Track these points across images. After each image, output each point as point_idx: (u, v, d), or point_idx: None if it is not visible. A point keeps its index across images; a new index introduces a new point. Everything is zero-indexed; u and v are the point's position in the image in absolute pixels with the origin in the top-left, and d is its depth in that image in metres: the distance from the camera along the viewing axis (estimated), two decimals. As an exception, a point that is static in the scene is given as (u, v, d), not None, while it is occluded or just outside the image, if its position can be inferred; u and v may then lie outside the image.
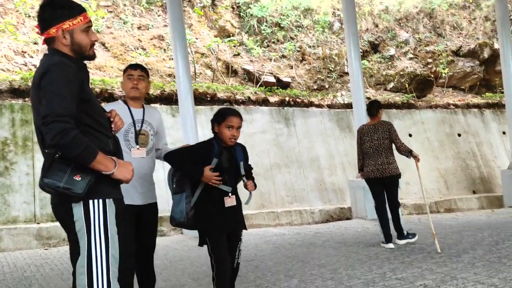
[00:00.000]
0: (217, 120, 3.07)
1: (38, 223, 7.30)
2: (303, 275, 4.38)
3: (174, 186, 3.09)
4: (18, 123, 7.78)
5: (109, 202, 2.11)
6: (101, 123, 2.21)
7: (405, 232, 5.72)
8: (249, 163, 3.32)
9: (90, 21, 2.25)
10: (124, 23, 11.68)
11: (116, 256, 2.11)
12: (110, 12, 11.79)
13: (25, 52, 9.90)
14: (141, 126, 3.19)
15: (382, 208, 5.75)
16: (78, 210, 2.06)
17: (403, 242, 5.68)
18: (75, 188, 1.99)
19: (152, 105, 8.55)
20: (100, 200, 2.08)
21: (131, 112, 3.17)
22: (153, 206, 3.23)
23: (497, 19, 10.29)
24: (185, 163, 3.08)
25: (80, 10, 2.21)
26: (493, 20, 13.97)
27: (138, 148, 3.13)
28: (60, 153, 1.99)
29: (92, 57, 2.29)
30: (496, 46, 12.96)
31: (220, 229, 2.99)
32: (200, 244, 3.11)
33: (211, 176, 2.98)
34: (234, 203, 3.09)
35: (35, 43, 10.05)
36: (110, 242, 2.09)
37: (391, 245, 5.50)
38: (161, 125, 3.42)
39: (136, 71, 3.23)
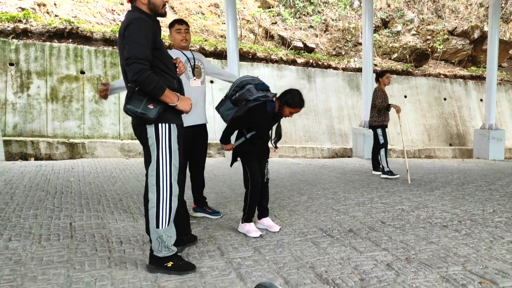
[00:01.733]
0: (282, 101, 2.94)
1: (121, 140, 7.57)
2: (311, 193, 4.46)
3: (234, 98, 2.91)
4: (108, 65, 7.87)
5: (173, 126, 2.17)
6: (169, 67, 2.21)
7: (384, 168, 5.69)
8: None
9: None
10: (187, -8, 11.31)
11: (176, 165, 2.20)
12: (179, -18, 11.40)
13: (114, 10, 9.80)
14: (194, 62, 3.18)
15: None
16: (150, 130, 2.14)
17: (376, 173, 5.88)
18: (149, 114, 2.06)
19: (207, 58, 8.46)
20: (167, 124, 2.14)
21: (185, 54, 3.17)
22: (205, 126, 3.30)
23: (490, 6, 9.45)
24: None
25: None
26: (486, 7, 12.84)
27: (194, 79, 3.15)
28: (138, 88, 2.03)
29: (164, 14, 2.24)
30: (485, 28, 12.00)
31: (256, 157, 2.97)
32: (231, 165, 3.15)
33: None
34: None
35: (122, 4, 9.91)
36: (173, 155, 2.17)
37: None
38: (208, 62, 3.40)
39: (183, 26, 3.14)
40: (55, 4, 8.99)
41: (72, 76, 7.57)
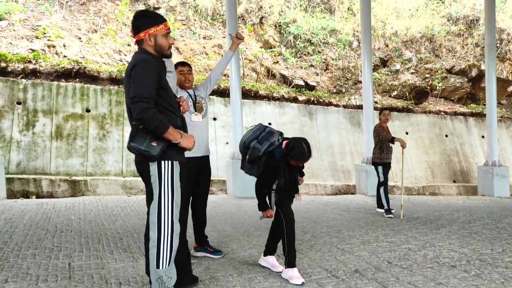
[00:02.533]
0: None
1: (124, 177, 7.57)
2: (314, 231, 4.38)
3: (248, 157, 2.85)
4: (113, 103, 8.03)
5: (176, 164, 2.19)
6: (173, 105, 2.26)
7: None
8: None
9: (169, 28, 2.28)
10: (193, 33, 11.74)
11: (178, 203, 2.20)
12: (184, 24, 11.87)
13: (121, 51, 10.15)
14: (195, 98, 3.26)
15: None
16: (153, 167, 2.16)
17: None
18: (152, 151, 2.08)
19: (210, 97, 8.63)
20: (170, 162, 2.16)
21: (187, 91, 3.27)
22: (207, 159, 3.30)
23: (486, 46, 9.76)
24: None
25: (162, 19, 2.26)
26: (482, 46, 13.22)
27: (196, 114, 3.19)
28: (142, 125, 2.07)
29: (169, 56, 2.32)
30: (482, 67, 12.28)
31: (287, 195, 2.91)
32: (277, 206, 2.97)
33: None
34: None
35: (129, 45, 10.28)
36: (175, 192, 2.17)
37: (391, 215, 5.39)
38: (203, 82, 3.47)
39: (186, 67, 3.24)
40: (64, 46, 9.34)
41: (78, 114, 7.71)
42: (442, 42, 13.97)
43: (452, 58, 13.66)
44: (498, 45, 13.25)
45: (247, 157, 2.84)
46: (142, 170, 2.23)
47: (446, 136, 11.13)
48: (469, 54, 13.77)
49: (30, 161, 7.15)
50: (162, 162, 2.14)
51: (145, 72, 2.09)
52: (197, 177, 3.17)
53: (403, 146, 5.32)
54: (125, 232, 4.15)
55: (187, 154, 2.94)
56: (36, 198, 6.70)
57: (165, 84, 2.22)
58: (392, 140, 5.47)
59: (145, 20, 2.23)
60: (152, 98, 2.06)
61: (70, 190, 7.01)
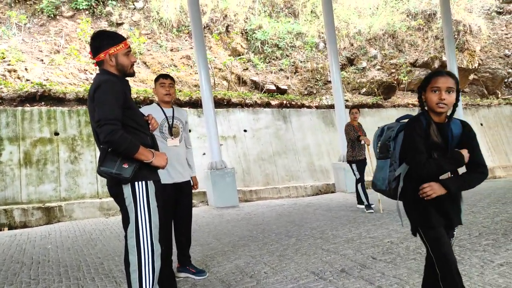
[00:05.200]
0: (422, 87, 1.92)
1: (100, 198, 7.35)
2: (298, 235, 4.39)
3: (378, 150, 2.07)
4: (83, 124, 7.81)
5: (150, 183, 2.13)
6: (141, 124, 2.20)
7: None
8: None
9: (129, 46, 2.22)
10: (160, 46, 11.63)
11: (156, 223, 2.13)
12: (150, 38, 11.74)
13: (86, 70, 9.91)
14: (172, 121, 3.10)
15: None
16: (127, 189, 2.09)
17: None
18: (124, 173, 2.03)
19: (183, 108, 8.56)
20: (143, 182, 2.10)
21: (164, 111, 3.11)
22: (188, 183, 3.19)
23: (445, 38, 10.19)
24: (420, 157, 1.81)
25: (122, 38, 2.21)
26: (442, 39, 13.77)
27: (172, 139, 3.07)
28: (112, 148, 2.01)
29: (132, 74, 2.26)
30: (444, 58, 12.80)
31: (436, 221, 1.83)
32: (413, 233, 1.95)
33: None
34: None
35: (94, 63, 10.05)
36: (152, 212, 2.11)
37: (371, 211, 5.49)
38: (187, 125, 3.26)
39: (167, 80, 3.14)
40: (26, 69, 9.02)
41: (46, 139, 7.44)
42: (404, 37, 14.45)
43: (415, 52, 14.16)
44: (456, 36, 13.83)
45: (378, 145, 2.05)
46: (116, 194, 2.17)
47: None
48: (430, 47, 14.31)
49: (0, 192, 6.83)
50: (136, 183, 2.08)
51: (108, 93, 2.03)
52: (176, 202, 3.08)
53: (367, 143, 5.49)
54: (106, 256, 4.02)
55: (167, 180, 2.92)
56: (9, 229, 6.39)
57: (130, 103, 2.17)
58: (358, 138, 5.60)
59: (104, 40, 2.17)
60: (118, 119, 2.00)
61: (44, 217, 6.73)
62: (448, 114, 1.90)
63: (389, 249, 3.49)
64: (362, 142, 5.66)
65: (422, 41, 14.60)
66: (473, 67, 14.24)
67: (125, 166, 2.02)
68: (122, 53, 2.17)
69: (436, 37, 14.50)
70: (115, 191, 2.15)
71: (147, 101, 8.70)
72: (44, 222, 6.68)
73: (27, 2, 10.92)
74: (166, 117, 3.11)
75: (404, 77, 12.80)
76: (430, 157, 1.83)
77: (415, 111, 11.71)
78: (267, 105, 10.20)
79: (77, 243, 4.82)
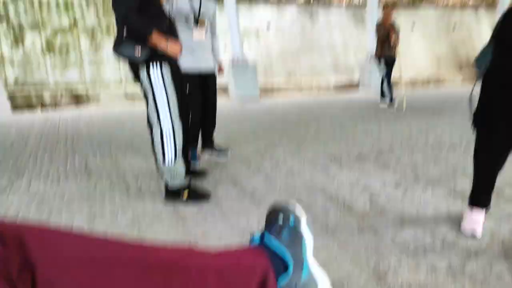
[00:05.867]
0: None
1: (124, 85, 7.52)
2: (318, 126, 4.49)
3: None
4: (100, 14, 7.58)
5: (164, 64, 2.15)
6: (157, 11, 2.17)
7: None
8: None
9: None
10: None
11: (174, 101, 2.20)
12: None
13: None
14: (199, 14, 2.95)
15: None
16: (143, 71, 2.15)
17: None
18: (136, 56, 2.08)
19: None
20: (157, 62, 2.13)
21: (190, 2, 2.90)
22: (213, 73, 3.18)
23: None
24: None
25: None
26: None
27: (198, 30, 2.95)
28: (126, 30, 2.03)
29: None
30: None
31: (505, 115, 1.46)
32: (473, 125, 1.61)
33: None
34: None
35: None
36: (168, 91, 2.17)
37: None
38: (214, 16, 3.14)
39: None
40: None
41: (66, 28, 7.33)
42: None
43: None
44: None
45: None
46: (134, 75, 2.25)
47: (453, 29, 10.64)
48: None
49: (28, 76, 7.04)
50: (150, 64, 2.13)
51: None
52: (203, 89, 3.10)
53: (396, 44, 5.30)
54: (135, 136, 4.28)
55: (192, 69, 2.91)
56: (41, 108, 6.77)
57: None
58: (388, 36, 5.38)
59: None
60: (136, 2, 2.00)
61: (73, 101, 7.04)
62: None
63: (408, 140, 3.55)
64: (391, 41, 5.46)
65: None
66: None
67: (138, 49, 2.06)
68: None
69: None
70: (133, 73, 2.22)
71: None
72: (73, 104, 7.00)
73: None
74: (193, 8, 2.94)
75: (450, -35, 11.37)
76: None
77: (454, 12, 10.74)
78: (294, 0, 9.48)
79: (106, 124, 5.11)
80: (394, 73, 5.74)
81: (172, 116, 2.20)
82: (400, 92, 6.76)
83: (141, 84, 2.21)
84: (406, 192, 2.29)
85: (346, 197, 2.26)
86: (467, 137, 3.54)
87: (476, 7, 11.11)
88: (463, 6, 10.97)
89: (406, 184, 2.41)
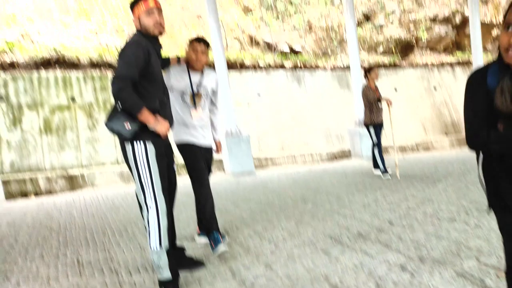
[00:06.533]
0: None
1: (120, 165, 7.54)
2: (315, 200, 4.45)
3: None
4: (98, 90, 7.86)
5: (149, 144, 2.20)
6: (155, 87, 2.26)
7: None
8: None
9: (150, 5, 2.22)
10: (169, 5, 11.34)
11: (158, 182, 2.20)
12: None
13: (97, 33, 9.80)
14: (198, 88, 2.87)
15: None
16: (128, 148, 2.21)
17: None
18: (124, 132, 2.14)
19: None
20: (142, 142, 2.18)
21: (190, 75, 2.87)
22: (211, 149, 3.10)
23: (469, -9, 9.59)
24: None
25: None
26: (465, -9, 13.01)
27: (196, 110, 2.88)
28: (118, 103, 2.12)
29: (158, 34, 2.28)
30: (466, 13, 12.15)
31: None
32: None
33: None
34: None
35: (104, 25, 9.91)
36: (152, 172, 2.19)
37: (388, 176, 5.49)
38: (215, 91, 3.06)
39: (200, 46, 2.83)
40: (38, 33, 8.98)
41: (64, 106, 7.55)
42: (424, -10, 13.69)
43: (435, 6, 13.45)
44: (481, -12, 13.01)
45: None
46: (123, 153, 2.30)
47: (435, 88, 11.15)
48: (452, 0, 13.57)
49: (24, 159, 7.06)
50: (135, 142, 2.18)
51: (129, 52, 2.12)
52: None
53: (389, 104, 5.33)
54: (129, 222, 4.19)
55: (191, 141, 2.90)
56: (35, 196, 6.67)
57: (153, 66, 2.22)
58: (379, 100, 5.46)
59: (132, 3, 2.27)
60: (132, 77, 2.09)
61: (68, 185, 6.98)
62: None
63: (406, 214, 3.52)
64: (381, 104, 5.56)
65: (445, -6, 13.82)
66: (498, 21, 13.50)
67: (127, 125, 2.12)
68: (143, 14, 2.21)
69: (460, -11, 13.69)
70: (122, 150, 2.28)
71: (180, 62, 8.60)
72: (68, 189, 6.94)
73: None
74: (191, 83, 2.88)
75: (422, 31, 12.26)
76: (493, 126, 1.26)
77: (434, 71, 11.37)
78: (281, 67, 10.01)
79: (101, 209, 5.02)
80: (384, 140, 5.84)
81: (156, 196, 2.19)
82: (392, 159, 6.85)
83: (127, 162, 2.24)
84: (413, 277, 2.20)
85: (351, 287, 2.16)
86: (463, 206, 3.52)
87: (452, 66, 11.77)
88: (441, 65, 11.64)
89: (412, 267, 2.33)
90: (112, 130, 2.16)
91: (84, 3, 10.19)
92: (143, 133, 2.17)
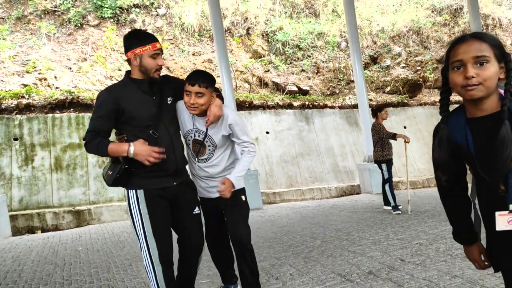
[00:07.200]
0: (446, 67, 1.23)
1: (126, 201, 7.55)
2: (324, 236, 4.36)
3: None
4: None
5: (140, 192, 2.13)
6: (137, 124, 2.14)
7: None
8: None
9: (158, 49, 2.14)
10: (182, 51, 11.84)
11: (149, 230, 2.12)
12: (172, 43, 11.97)
13: (112, 77, 10.21)
14: (204, 138, 2.35)
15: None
16: (126, 197, 2.22)
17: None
18: (107, 181, 2.15)
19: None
20: (133, 190, 2.15)
21: (193, 120, 2.34)
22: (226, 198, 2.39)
23: (472, 32, 9.87)
24: None
25: (152, 40, 2.15)
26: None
27: (198, 162, 2.41)
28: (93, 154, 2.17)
29: (155, 80, 2.16)
30: (472, 54, 12.40)
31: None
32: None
33: None
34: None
35: (119, 70, 10.34)
36: (143, 219, 2.13)
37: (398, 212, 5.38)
38: (233, 130, 2.37)
39: (194, 88, 2.19)
40: (55, 77, 9.39)
41: (75, 144, 7.71)
42: (429, 34, 14.10)
43: (441, 48, 13.78)
44: (484, 30, 13.37)
45: None
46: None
47: (444, 126, 11.18)
48: (457, 42, 13.93)
49: (32, 196, 7.13)
50: (129, 191, 2.17)
51: (96, 106, 2.15)
52: (221, 216, 2.54)
53: (407, 141, 5.31)
54: (134, 258, 4.12)
55: (204, 195, 2.46)
56: (42, 232, 6.66)
57: (129, 111, 2.11)
58: (394, 136, 5.46)
59: (133, 40, 2.17)
60: (95, 129, 2.09)
61: (74, 220, 6.97)
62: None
63: (418, 250, 3.41)
64: (394, 141, 5.56)
65: (449, 36, 14.20)
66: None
67: (109, 173, 2.14)
68: (147, 55, 2.12)
69: (463, 33, 14.07)
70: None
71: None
72: (75, 225, 6.92)
73: (56, 13, 11.38)
74: (194, 129, 2.35)
75: (430, 74, 12.48)
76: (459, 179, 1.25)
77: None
78: (289, 106, 10.18)
79: (106, 245, 4.97)
80: (395, 175, 5.78)
81: (148, 244, 2.12)
82: (403, 195, 6.74)
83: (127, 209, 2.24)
84: (426, 317, 2.10)
85: (361, 327, 2.06)
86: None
87: (460, 103, 11.82)
88: (450, 104, 11.69)
89: (425, 307, 2.23)
90: (103, 177, 2.21)
91: (101, 51, 10.73)
92: (134, 179, 2.13)
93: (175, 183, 2.23)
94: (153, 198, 2.15)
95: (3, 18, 10.98)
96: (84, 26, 11.32)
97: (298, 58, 12.82)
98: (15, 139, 7.43)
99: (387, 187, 5.59)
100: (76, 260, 4.26)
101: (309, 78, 12.26)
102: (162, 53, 2.22)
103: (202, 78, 2.23)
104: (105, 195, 7.52)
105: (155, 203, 2.15)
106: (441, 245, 3.49)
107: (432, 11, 14.70)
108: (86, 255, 4.49)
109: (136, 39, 2.17)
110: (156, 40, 2.19)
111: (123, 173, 2.10)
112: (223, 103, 2.40)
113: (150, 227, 2.12)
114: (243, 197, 2.49)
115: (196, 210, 2.35)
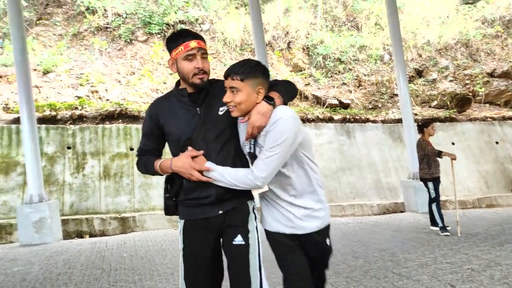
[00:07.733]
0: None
1: (168, 211, 7.76)
2: (366, 256, 4.22)
3: None
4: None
5: (181, 222, 1.90)
6: (173, 140, 1.89)
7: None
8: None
9: (192, 48, 1.76)
10: (224, 65, 12.13)
11: (182, 271, 1.88)
12: (215, 57, 12.32)
13: (158, 89, 10.66)
14: (254, 149, 1.80)
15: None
16: None
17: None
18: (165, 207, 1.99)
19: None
20: (181, 220, 1.92)
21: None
22: (314, 234, 1.94)
23: (529, 45, 9.29)
24: None
25: (184, 39, 1.78)
26: (525, 45, 12.61)
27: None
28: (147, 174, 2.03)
29: (196, 84, 1.78)
30: (528, 66, 11.67)
31: None
32: None
33: None
34: None
35: (164, 83, 10.78)
36: (180, 255, 1.90)
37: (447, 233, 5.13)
38: (266, 132, 1.77)
39: (227, 81, 1.75)
40: (106, 90, 9.96)
41: (123, 153, 8.09)
42: (479, 46, 13.48)
43: (492, 61, 13.10)
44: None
45: None
46: None
47: (497, 143, 10.51)
48: (511, 55, 13.16)
49: (82, 202, 7.53)
50: (179, 220, 1.94)
51: (144, 120, 2.00)
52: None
53: (453, 158, 5.09)
54: (176, 267, 4.21)
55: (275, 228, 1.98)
56: (89, 237, 7.00)
57: (166, 126, 1.87)
58: (439, 154, 5.25)
59: (168, 43, 1.86)
60: (140, 148, 2.00)
61: (120, 227, 7.27)
62: None
63: (470, 276, 3.21)
64: (440, 159, 5.35)
65: (501, 49, 13.49)
66: None
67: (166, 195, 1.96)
68: (181, 57, 1.78)
69: (518, 44, 13.31)
70: None
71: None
72: (120, 231, 7.21)
73: (108, 29, 12.12)
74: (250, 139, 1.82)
75: (480, 88, 11.88)
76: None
77: (495, 125, 10.78)
78: (330, 120, 10.07)
79: (149, 252, 5.12)
80: (442, 193, 5.53)
81: (181, 277, 1.87)
82: (452, 215, 6.40)
83: None
84: None
85: None
86: (540, 273, 3.15)
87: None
88: (503, 119, 11.01)
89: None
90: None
91: (149, 65, 11.26)
92: (181, 208, 1.89)
93: (220, 212, 1.82)
94: (194, 230, 1.84)
95: (61, 35, 11.85)
96: (133, 41, 11.96)
97: (339, 72, 12.71)
98: (68, 147, 7.92)
99: (434, 206, 5.35)
100: (121, 266, 4.43)
101: (350, 92, 12.08)
102: (205, 53, 1.82)
103: (237, 68, 1.72)
104: (148, 203, 7.79)
105: (193, 238, 1.85)
106: (496, 272, 3.26)
107: (483, 23, 14.07)
108: (130, 261, 4.66)
109: (171, 41, 1.83)
110: (191, 38, 1.79)
111: (168, 200, 1.93)
112: (285, 103, 1.77)
113: (182, 267, 1.85)
114: (327, 241, 2.00)
115: (238, 240, 1.84)
